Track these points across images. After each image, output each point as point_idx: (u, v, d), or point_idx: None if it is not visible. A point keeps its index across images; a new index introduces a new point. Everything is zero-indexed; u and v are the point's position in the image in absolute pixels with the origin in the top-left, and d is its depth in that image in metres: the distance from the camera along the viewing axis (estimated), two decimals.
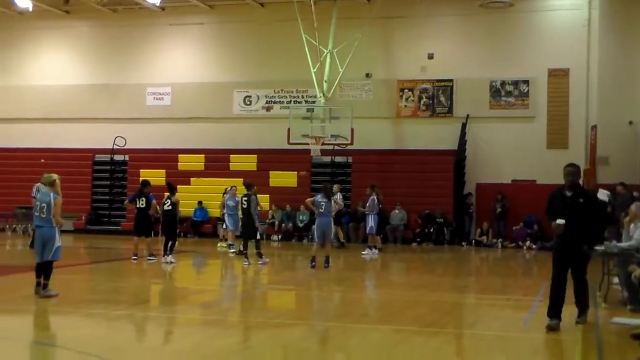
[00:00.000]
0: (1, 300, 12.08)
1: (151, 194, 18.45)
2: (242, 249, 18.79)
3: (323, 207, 17.28)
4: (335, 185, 23.17)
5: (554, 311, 9.95)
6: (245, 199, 17.99)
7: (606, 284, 12.49)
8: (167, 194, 18.53)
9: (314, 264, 16.98)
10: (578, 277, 10.10)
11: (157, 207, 18.29)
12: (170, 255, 17.68)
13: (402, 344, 9.20)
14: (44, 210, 11.77)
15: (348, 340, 9.52)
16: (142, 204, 18.19)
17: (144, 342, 9.52)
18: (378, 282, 16.95)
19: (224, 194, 22.03)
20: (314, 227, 18.05)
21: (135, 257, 18.09)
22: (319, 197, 17.59)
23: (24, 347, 8.81)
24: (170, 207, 18.03)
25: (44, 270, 11.89)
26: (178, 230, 20.01)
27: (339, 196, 22.38)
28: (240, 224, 19.77)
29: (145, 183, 18.64)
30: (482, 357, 8.64)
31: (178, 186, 26.57)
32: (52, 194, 11.83)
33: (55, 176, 12.03)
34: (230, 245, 20.91)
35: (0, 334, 9.18)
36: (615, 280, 12.59)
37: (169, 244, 17.87)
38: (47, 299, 11.70)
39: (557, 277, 10.07)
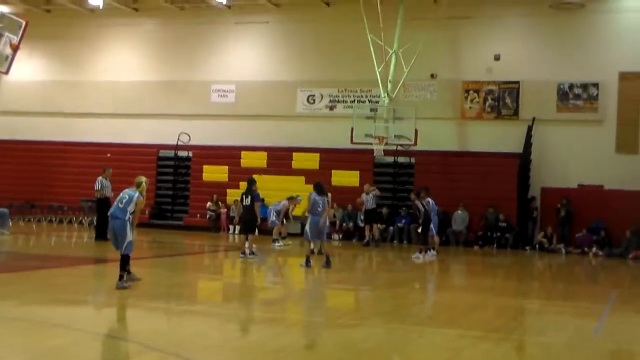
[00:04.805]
0: (69, 292, 12.29)
1: (257, 192, 18.43)
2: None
3: (320, 205, 16.77)
4: (366, 185, 24.44)
5: None
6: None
7: None
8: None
9: (310, 263, 16.58)
10: None
11: (240, 205, 18.77)
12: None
13: (467, 349, 9.02)
14: (124, 201, 12.14)
15: (411, 343, 9.38)
16: (247, 202, 18.28)
17: (207, 338, 9.52)
18: (441, 284, 16.74)
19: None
20: (307, 225, 17.15)
21: (243, 255, 18.16)
22: (315, 196, 16.91)
23: (90, 338, 8.90)
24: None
25: (120, 262, 12.13)
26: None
27: (371, 195, 23.81)
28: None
29: (252, 181, 18.65)
30: None
31: (240, 182, 26.93)
32: (137, 193, 12.26)
33: (143, 179, 12.58)
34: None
35: (66, 325, 9.29)
36: None
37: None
38: (118, 291, 11.87)
39: None
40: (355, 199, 24.88)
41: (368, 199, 23.98)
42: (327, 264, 16.82)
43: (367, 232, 24.22)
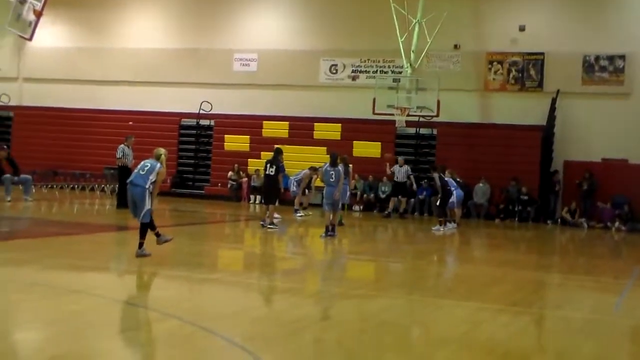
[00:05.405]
0: (89, 258, 12.37)
1: (281, 164, 18.35)
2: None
3: (334, 176, 16.77)
4: (400, 157, 24.44)
5: None
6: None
7: None
8: None
9: (330, 233, 16.66)
10: None
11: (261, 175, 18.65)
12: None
13: (486, 322, 8.97)
14: (146, 169, 12.19)
15: (431, 315, 9.35)
16: (271, 171, 18.19)
17: (225, 307, 9.54)
18: (462, 257, 16.67)
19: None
20: (324, 196, 17.35)
21: (262, 223, 18.14)
22: (326, 167, 17.02)
23: (109, 304, 8.95)
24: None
25: (140, 230, 12.18)
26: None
27: (404, 169, 23.99)
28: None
29: (279, 150, 18.59)
30: (571, 340, 8.33)
31: (261, 152, 26.87)
32: (158, 164, 12.28)
33: (162, 151, 12.54)
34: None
35: (86, 291, 9.35)
36: None
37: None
38: (138, 259, 11.94)
39: None
40: (377, 169, 24.82)
41: (400, 171, 23.94)
42: (332, 231, 16.83)
43: (391, 204, 24.11)
